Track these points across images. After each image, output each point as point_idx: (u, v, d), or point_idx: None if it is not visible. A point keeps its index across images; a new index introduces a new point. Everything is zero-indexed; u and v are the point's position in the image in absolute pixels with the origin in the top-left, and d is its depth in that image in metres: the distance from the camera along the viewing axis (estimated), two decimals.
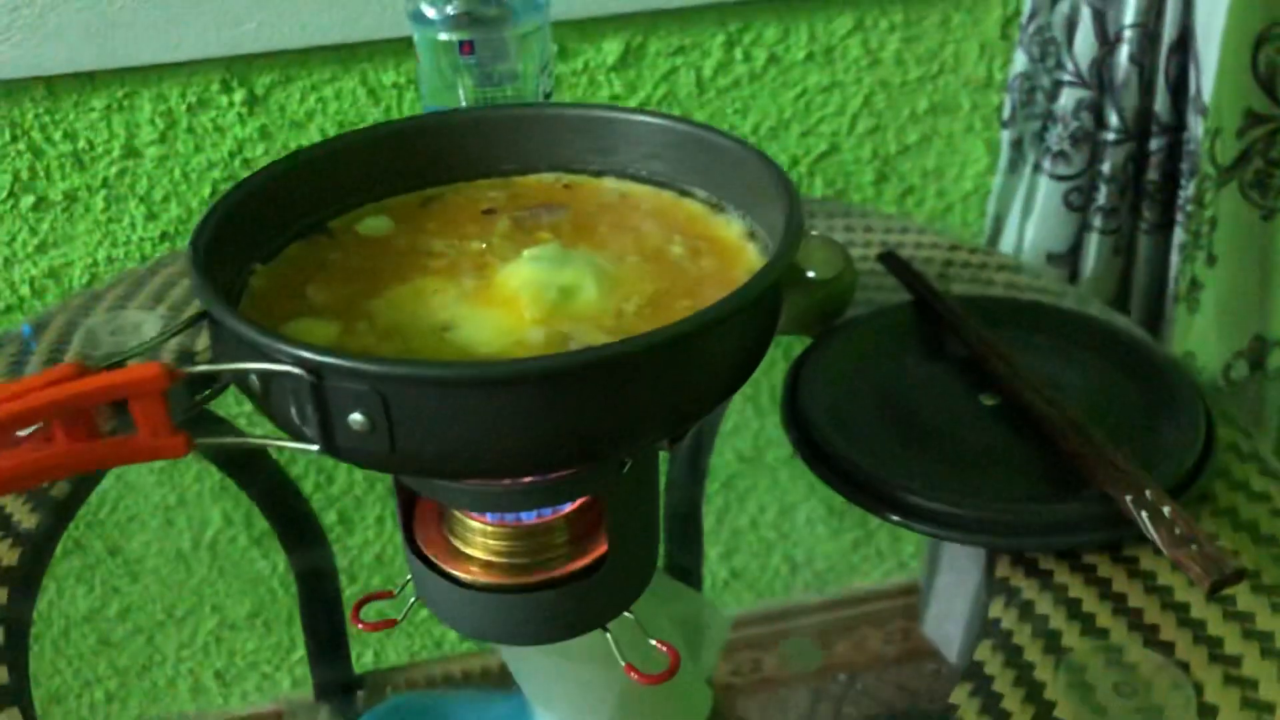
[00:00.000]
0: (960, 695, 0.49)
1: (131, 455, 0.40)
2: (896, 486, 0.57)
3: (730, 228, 0.51)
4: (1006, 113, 1.06)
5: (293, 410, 0.40)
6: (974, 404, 0.63)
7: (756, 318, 0.44)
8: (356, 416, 0.39)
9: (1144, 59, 0.95)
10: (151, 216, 0.98)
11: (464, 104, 0.67)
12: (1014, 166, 1.07)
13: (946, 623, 1.26)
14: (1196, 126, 0.95)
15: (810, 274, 0.69)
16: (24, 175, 0.94)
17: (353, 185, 0.54)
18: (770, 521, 1.26)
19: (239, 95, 0.95)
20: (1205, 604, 0.52)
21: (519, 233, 0.52)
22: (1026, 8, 1.01)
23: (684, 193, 0.54)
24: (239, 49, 0.92)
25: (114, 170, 0.96)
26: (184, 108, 0.95)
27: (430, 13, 0.65)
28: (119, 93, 0.93)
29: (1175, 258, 1.02)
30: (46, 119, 0.93)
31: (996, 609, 0.53)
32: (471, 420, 0.38)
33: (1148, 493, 0.53)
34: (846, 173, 1.10)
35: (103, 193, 0.97)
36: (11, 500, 0.62)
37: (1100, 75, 0.97)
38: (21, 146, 0.93)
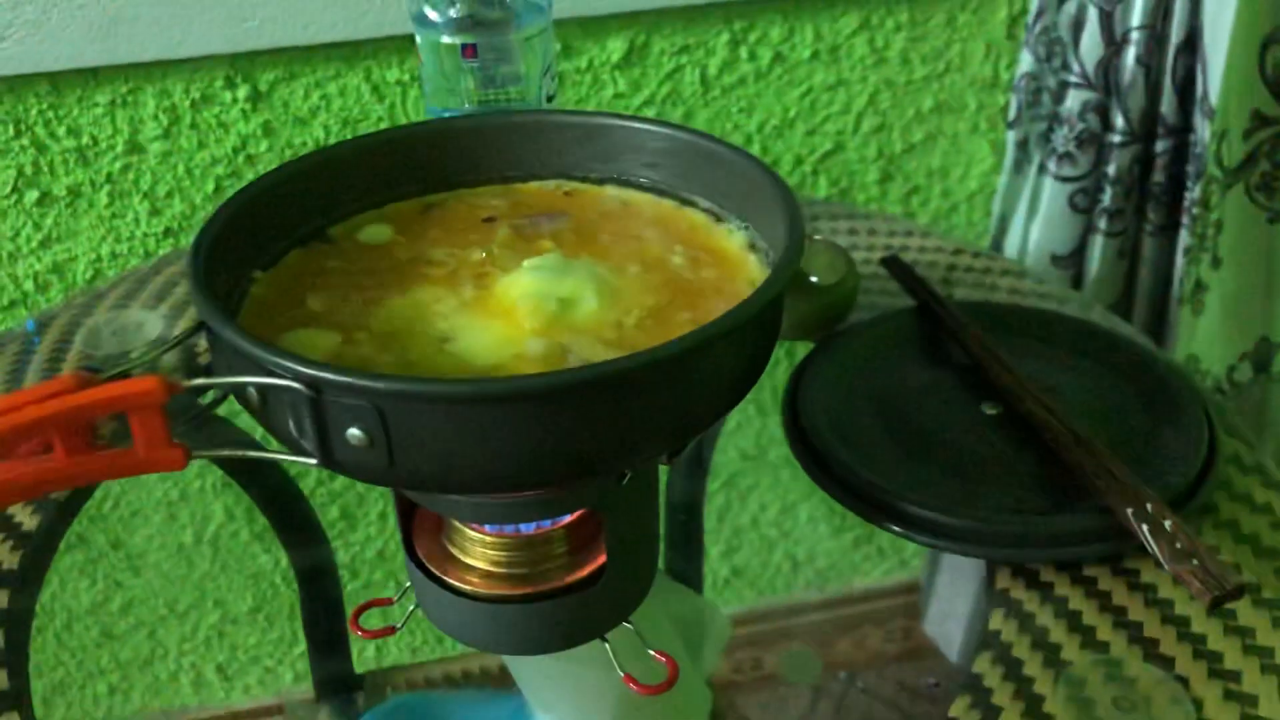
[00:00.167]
0: (960, 708, 0.49)
1: (129, 468, 0.40)
2: (897, 496, 0.57)
3: (732, 238, 0.51)
4: (1012, 113, 1.06)
5: (291, 424, 0.40)
6: (975, 413, 0.63)
7: (757, 333, 0.44)
8: (355, 431, 0.39)
9: (1151, 61, 0.95)
10: (155, 212, 0.98)
11: (466, 106, 0.67)
12: (1019, 167, 1.07)
13: (947, 622, 1.26)
14: (1203, 129, 0.95)
15: (813, 279, 0.69)
16: (28, 170, 0.94)
17: (353, 192, 0.54)
18: (771, 520, 1.26)
19: (243, 91, 0.95)
20: (1206, 618, 0.52)
21: (520, 241, 0.52)
22: (1033, 8, 1.00)
23: (685, 202, 0.54)
24: (243, 46, 0.92)
25: (118, 166, 0.96)
26: (188, 104, 0.95)
27: (433, 16, 0.65)
28: (123, 89, 0.93)
29: (1180, 260, 1.02)
30: (50, 114, 0.93)
31: (996, 621, 0.53)
32: (470, 437, 0.38)
33: (1149, 506, 0.53)
34: (851, 172, 1.10)
35: (106, 188, 0.96)
36: None
37: (1107, 77, 0.97)
38: (25, 142, 0.93)
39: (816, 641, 1.32)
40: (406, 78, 0.97)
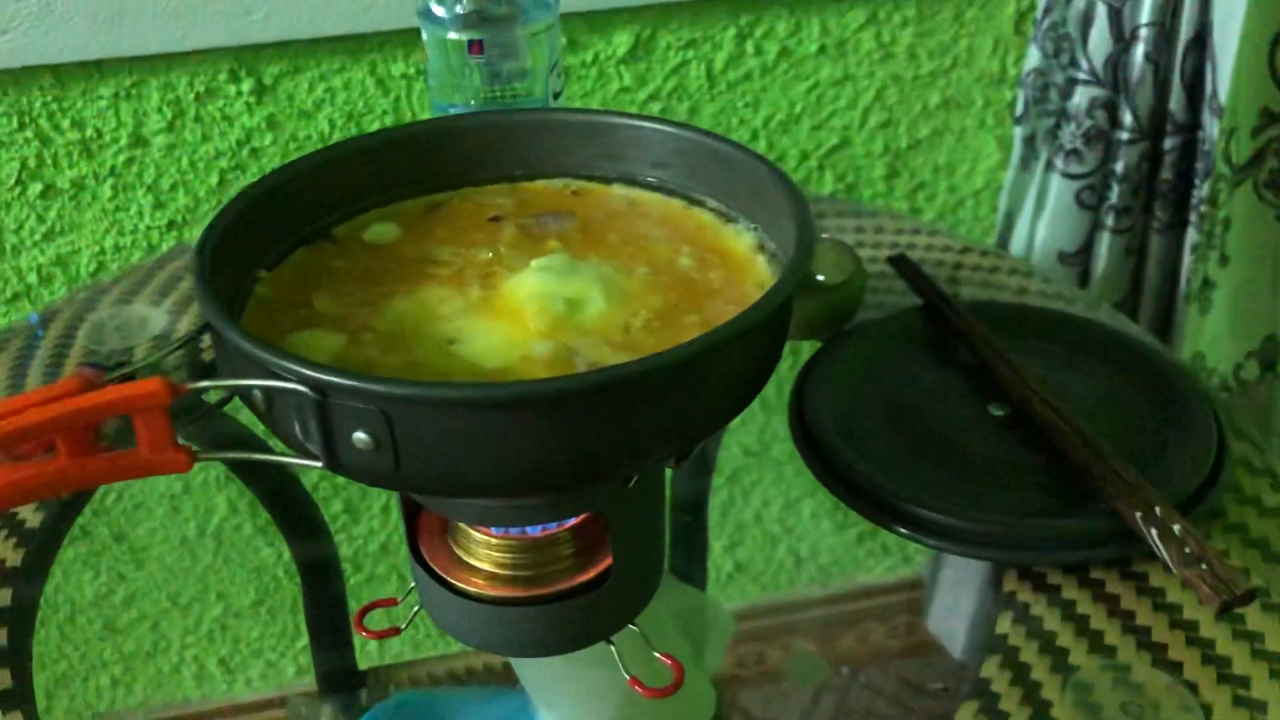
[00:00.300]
0: (967, 714, 0.49)
1: (134, 470, 0.40)
2: (903, 498, 0.56)
3: (740, 239, 0.51)
4: (1019, 109, 1.05)
5: (296, 427, 0.40)
6: (983, 414, 0.62)
7: (767, 336, 0.43)
8: (361, 435, 0.38)
9: (1160, 58, 0.94)
10: (159, 205, 0.98)
11: (472, 102, 0.67)
12: (1026, 163, 1.07)
13: (951, 618, 1.25)
14: (1212, 126, 0.94)
15: (820, 278, 0.68)
16: (31, 163, 0.94)
17: (359, 191, 0.53)
18: (775, 515, 1.25)
19: (247, 85, 0.94)
20: (1214, 623, 0.52)
21: (526, 241, 0.51)
22: (1041, 3, 1.00)
23: (694, 201, 0.54)
24: (247, 39, 0.91)
25: (122, 159, 0.95)
26: (192, 97, 0.94)
27: (439, 11, 0.65)
28: (127, 81, 0.93)
29: (1188, 258, 1.02)
30: (54, 107, 0.92)
31: (1004, 624, 0.53)
32: (477, 441, 0.38)
33: (1157, 509, 0.53)
34: (857, 167, 1.09)
35: (110, 181, 0.96)
36: None
37: (1115, 73, 0.96)
38: (29, 134, 0.93)
39: (819, 637, 1.31)
40: (412, 71, 0.96)
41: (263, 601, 1.18)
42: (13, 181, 0.94)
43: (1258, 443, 0.61)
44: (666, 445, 0.42)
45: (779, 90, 1.04)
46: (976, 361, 0.66)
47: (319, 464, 0.40)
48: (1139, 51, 0.94)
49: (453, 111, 0.68)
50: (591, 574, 0.49)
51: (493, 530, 0.48)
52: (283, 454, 0.42)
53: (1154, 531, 0.52)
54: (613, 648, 0.50)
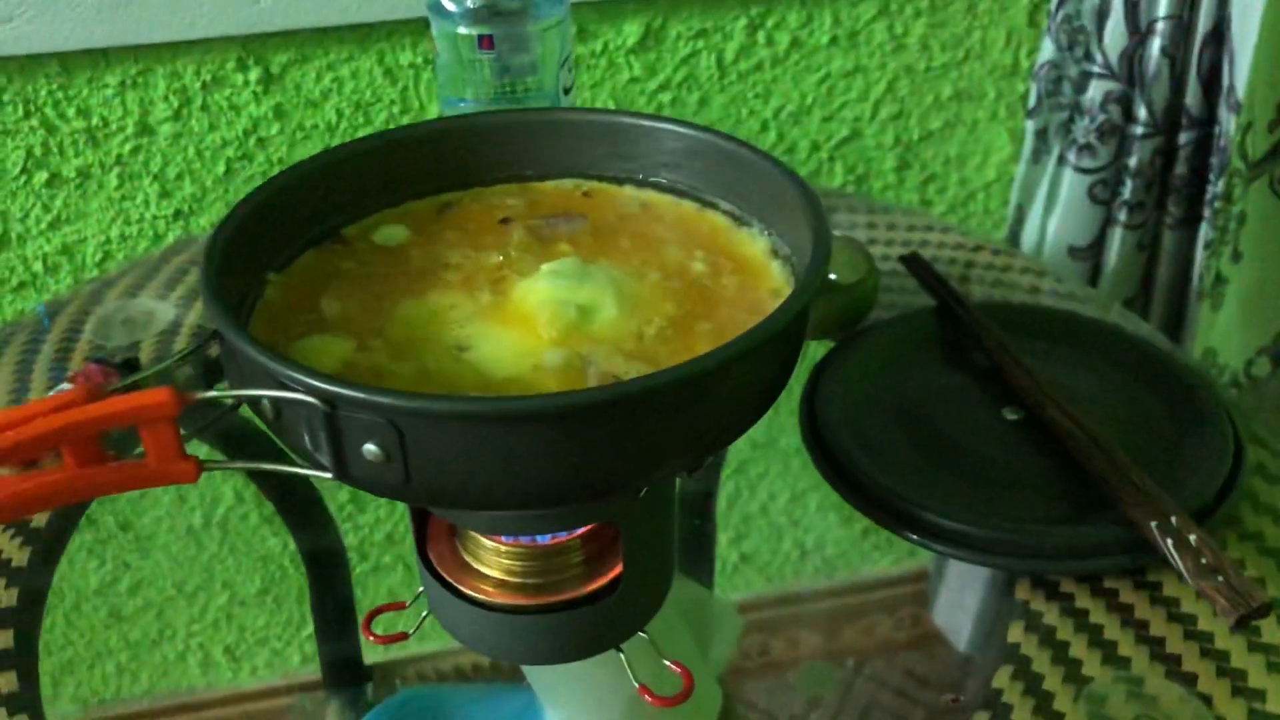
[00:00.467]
0: None
1: (141, 480, 0.40)
2: (915, 504, 0.56)
3: (754, 244, 0.50)
4: (1032, 101, 1.04)
5: (305, 437, 0.39)
6: (996, 418, 0.62)
7: (784, 346, 0.43)
8: (371, 447, 0.38)
9: (1176, 52, 0.93)
10: (165, 194, 0.98)
11: (482, 97, 0.66)
12: (1037, 156, 1.06)
13: (956, 612, 1.25)
14: (1228, 121, 0.93)
15: (832, 277, 0.68)
16: (37, 151, 0.93)
17: (368, 190, 0.53)
18: (781, 507, 1.25)
19: (254, 74, 0.94)
20: (1229, 635, 0.51)
21: (537, 244, 0.51)
22: None
23: (707, 204, 0.53)
24: (254, 27, 0.91)
25: (127, 147, 0.95)
26: (198, 85, 0.93)
27: (450, 5, 0.64)
28: (133, 69, 0.92)
29: (1200, 254, 1.01)
30: (60, 95, 0.92)
31: (1016, 634, 0.52)
32: (488, 455, 0.38)
33: (1173, 519, 0.52)
34: (868, 159, 1.09)
35: (116, 170, 0.96)
36: None
37: (1130, 67, 0.95)
38: (35, 123, 0.92)
39: (824, 629, 1.31)
40: (420, 61, 0.95)
41: (268, 590, 1.18)
42: (18, 170, 0.94)
43: (1275, 449, 0.61)
44: (681, 458, 0.41)
45: (790, 81, 1.03)
46: (990, 364, 0.65)
47: (328, 475, 0.40)
48: (1155, 45, 0.93)
49: (462, 106, 0.67)
50: (601, 582, 0.48)
51: (502, 538, 0.48)
52: (291, 462, 0.41)
53: (1169, 542, 0.51)
54: (622, 656, 0.49)
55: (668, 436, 0.39)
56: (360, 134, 0.98)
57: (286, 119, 0.96)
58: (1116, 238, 1.01)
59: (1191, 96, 0.95)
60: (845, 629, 1.31)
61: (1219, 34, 0.92)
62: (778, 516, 1.26)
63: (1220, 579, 0.50)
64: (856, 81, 1.05)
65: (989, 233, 1.15)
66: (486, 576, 0.49)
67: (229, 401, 0.41)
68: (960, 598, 1.26)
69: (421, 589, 0.52)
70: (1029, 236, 1.07)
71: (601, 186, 0.55)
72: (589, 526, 0.48)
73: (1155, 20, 0.93)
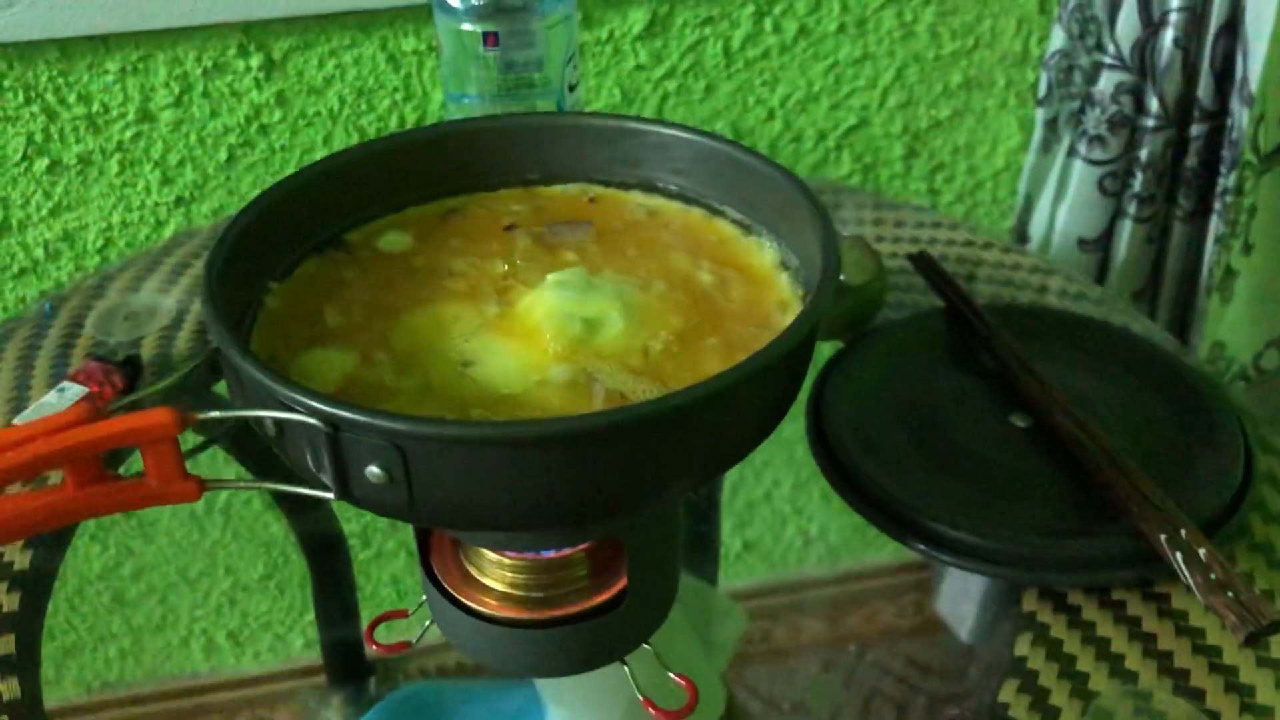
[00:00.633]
0: None
1: (142, 500, 0.39)
2: (920, 512, 0.56)
3: (762, 254, 0.50)
4: (1042, 90, 1.03)
5: (308, 457, 0.39)
6: (1005, 424, 0.61)
7: (793, 363, 0.42)
8: (374, 469, 0.37)
9: (1189, 43, 0.92)
10: (166, 181, 0.97)
11: (486, 94, 0.65)
12: (1047, 146, 1.05)
13: (960, 601, 1.25)
14: (1241, 114, 0.92)
15: (840, 278, 0.67)
16: (38, 138, 0.93)
17: (372, 196, 0.52)
18: (785, 495, 1.25)
19: (256, 60, 0.93)
20: (1237, 650, 0.51)
21: (542, 252, 0.50)
22: None
23: (714, 211, 0.52)
24: (256, 14, 0.90)
25: (128, 134, 0.94)
26: (200, 72, 0.92)
27: (454, 1, 0.63)
28: (134, 56, 0.91)
29: (1210, 247, 1.00)
30: (60, 81, 0.91)
31: (1023, 646, 0.52)
32: (494, 479, 0.37)
33: (1183, 533, 0.52)
34: (875, 148, 1.08)
35: (117, 156, 0.95)
36: None
37: (1143, 59, 0.94)
38: (35, 109, 0.91)
39: (827, 616, 1.31)
40: (423, 47, 0.94)
41: (271, 576, 1.18)
42: (19, 156, 0.93)
43: None
44: (688, 479, 0.41)
45: (797, 69, 1.02)
46: (999, 368, 0.64)
47: (331, 495, 0.39)
48: (1168, 36, 0.92)
49: (465, 102, 0.66)
50: (606, 596, 0.48)
51: (506, 552, 0.47)
52: (295, 480, 0.41)
53: (1179, 555, 0.51)
54: (626, 668, 0.49)
55: (676, 459, 0.39)
56: (363, 120, 0.97)
57: (289, 106, 0.95)
58: (1126, 230, 1.00)
59: (1204, 89, 0.93)
60: (848, 617, 1.31)
61: (1233, 26, 0.91)
62: (781, 504, 1.25)
63: (1230, 594, 0.49)
64: (865, 69, 1.03)
65: (996, 222, 1.14)
66: (490, 590, 0.48)
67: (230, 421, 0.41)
68: (963, 587, 1.26)
69: (424, 598, 0.52)
70: (1037, 226, 1.06)
71: (608, 192, 0.54)
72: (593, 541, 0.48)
73: (1168, 11, 0.92)
